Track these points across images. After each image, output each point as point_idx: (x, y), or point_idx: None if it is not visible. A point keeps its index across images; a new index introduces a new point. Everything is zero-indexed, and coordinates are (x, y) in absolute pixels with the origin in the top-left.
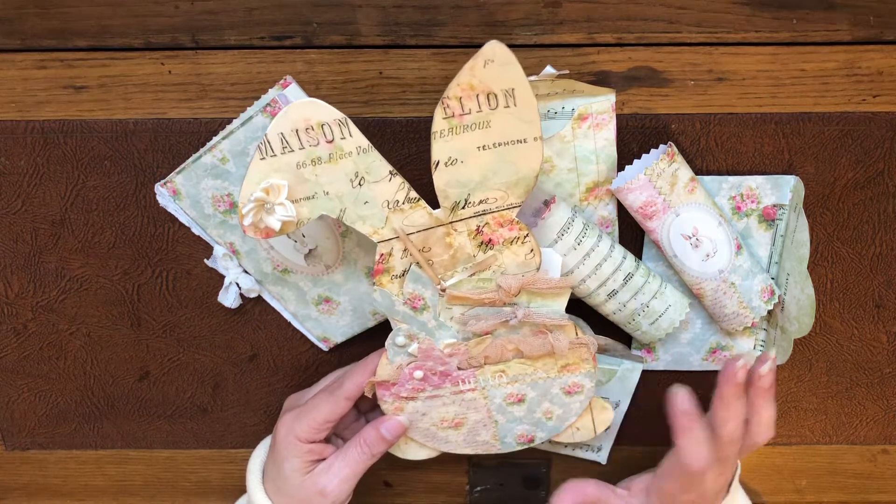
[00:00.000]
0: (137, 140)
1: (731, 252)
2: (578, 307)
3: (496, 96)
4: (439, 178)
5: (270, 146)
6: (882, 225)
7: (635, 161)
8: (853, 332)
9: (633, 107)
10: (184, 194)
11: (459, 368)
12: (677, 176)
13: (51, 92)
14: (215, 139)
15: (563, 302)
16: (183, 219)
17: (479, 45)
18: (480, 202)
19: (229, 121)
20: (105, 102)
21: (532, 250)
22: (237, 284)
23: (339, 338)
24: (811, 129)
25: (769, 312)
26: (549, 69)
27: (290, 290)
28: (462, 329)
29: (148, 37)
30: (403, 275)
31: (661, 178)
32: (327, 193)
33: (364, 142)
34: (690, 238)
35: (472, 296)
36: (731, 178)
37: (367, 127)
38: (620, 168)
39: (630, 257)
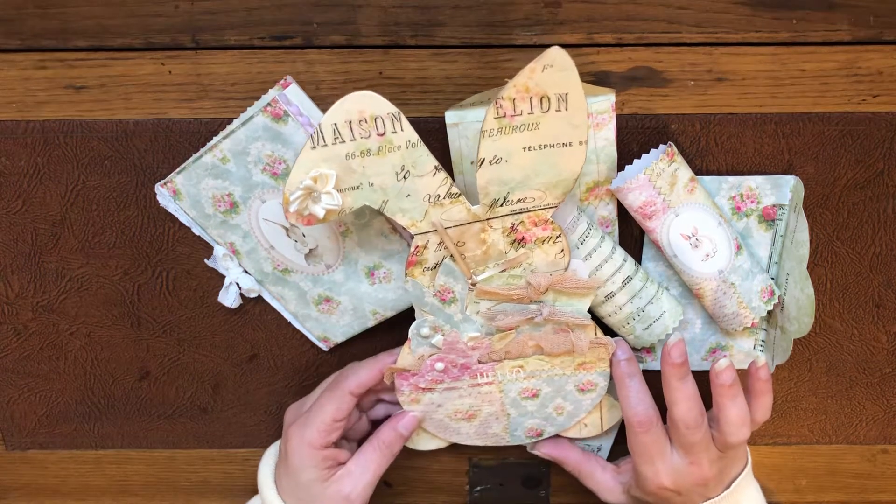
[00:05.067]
0: (137, 140)
1: (730, 252)
2: None
3: (549, 100)
4: (482, 176)
5: (322, 136)
6: (882, 225)
7: (635, 161)
8: (853, 332)
9: (633, 107)
10: (184, 194)
11: (480, 362)
12: (677, 176)
13: (51, 92)
14: (216, 139)
15: (587, 302)
16: (183, 219)
17: (479, 46)
18: (518, 201)
19: (229, 121)
20: (105, 102)
21: (562, 250)
22: (237, 284)
23: (339, 337)
24: (811, 129)
25: (769, 312)
26: None
27: (290, 289)
28: (488, 323)
29: (148, 37)
30: (435, 267)
31: (660, 178)
32: (372, 185)
33: (414, 136)
34: (690, 238)
35: (502, 291)
36: (731, 178)
37: None
38: (620, 168)
39: (630, 261)
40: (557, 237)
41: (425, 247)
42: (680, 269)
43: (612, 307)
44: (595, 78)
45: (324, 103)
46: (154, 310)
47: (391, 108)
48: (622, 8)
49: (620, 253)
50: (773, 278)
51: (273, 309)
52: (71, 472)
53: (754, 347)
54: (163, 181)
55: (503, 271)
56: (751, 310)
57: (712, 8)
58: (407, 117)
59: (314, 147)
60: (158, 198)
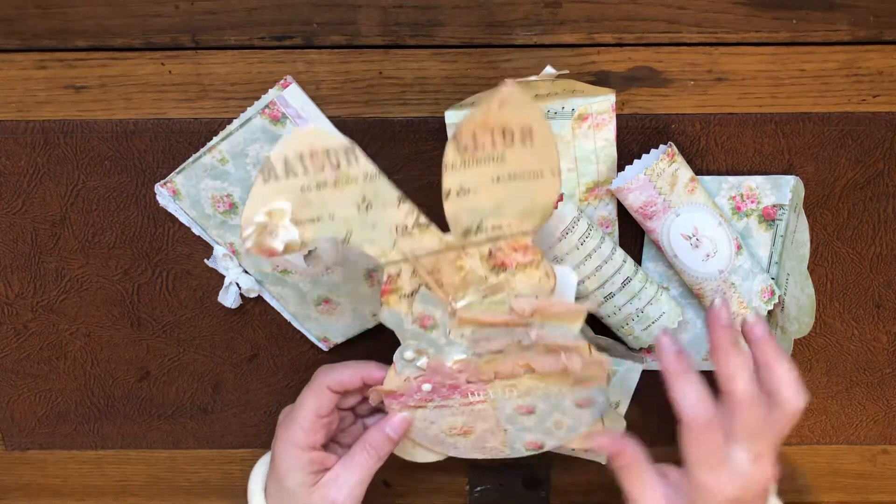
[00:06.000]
0: (137, 140)
1: (731, 252)
2: None
3: (512, 133)
4: (450, 207)
5: (274, 170)
6: (882, 225)
7: (635, 161)
8: (853, 332)
9: (633, 107)
10: (184, 194)
11: (469, 382)
12: (677, 176)
13: (51, 92)
14: (214, 140)
15: (579, 324)
16: (183, 219)
17: (479, 46)
18: (493, 228)
19: (229, 121)
20: (105, 102)
21: (547, 274)
22: (237, 284)
23: (338, 338)
24: (811, 129)
25: (769, 312)
26: (549, 69)
27: (289, 290)
28: (473, 347)
29: (148, 37)
30: (412, 294)
31: (661, 179)
32: (333, 217)
33: (371, 168)
34: (690, 238)
35: (484, 318)
36: (731, 178)
37: (367, 127)
38: (620, 168)
39: (630, 261)
40: (539, 262)
41: (399, 275)
42: (680, 270)
43: (612, 308)
44: (595, 78)
45: (324, 103)
46: (154, 310)
47: (344, 142)
48: (622, 8)
49: (620, 254)
50: (773, 278)
51: (273, 309)
52: (71, 472)
53: None
54: (163, 181)
55: (484, 297)
56: (751, 310)
57: (712, 8)
58: (407, 117)
59: (266, 181)
60: (158, 198)
